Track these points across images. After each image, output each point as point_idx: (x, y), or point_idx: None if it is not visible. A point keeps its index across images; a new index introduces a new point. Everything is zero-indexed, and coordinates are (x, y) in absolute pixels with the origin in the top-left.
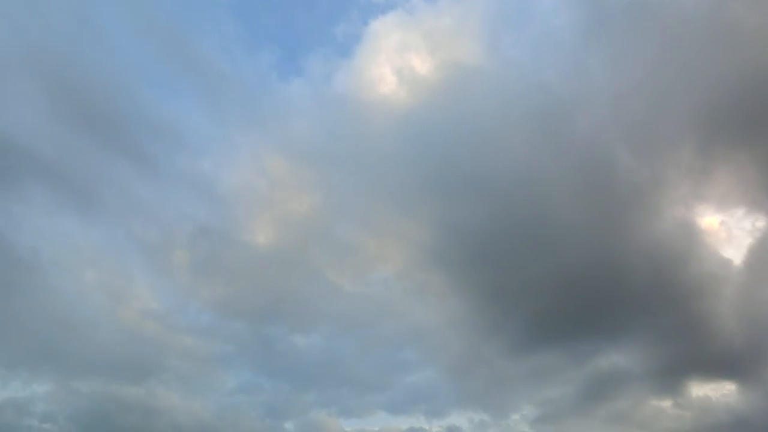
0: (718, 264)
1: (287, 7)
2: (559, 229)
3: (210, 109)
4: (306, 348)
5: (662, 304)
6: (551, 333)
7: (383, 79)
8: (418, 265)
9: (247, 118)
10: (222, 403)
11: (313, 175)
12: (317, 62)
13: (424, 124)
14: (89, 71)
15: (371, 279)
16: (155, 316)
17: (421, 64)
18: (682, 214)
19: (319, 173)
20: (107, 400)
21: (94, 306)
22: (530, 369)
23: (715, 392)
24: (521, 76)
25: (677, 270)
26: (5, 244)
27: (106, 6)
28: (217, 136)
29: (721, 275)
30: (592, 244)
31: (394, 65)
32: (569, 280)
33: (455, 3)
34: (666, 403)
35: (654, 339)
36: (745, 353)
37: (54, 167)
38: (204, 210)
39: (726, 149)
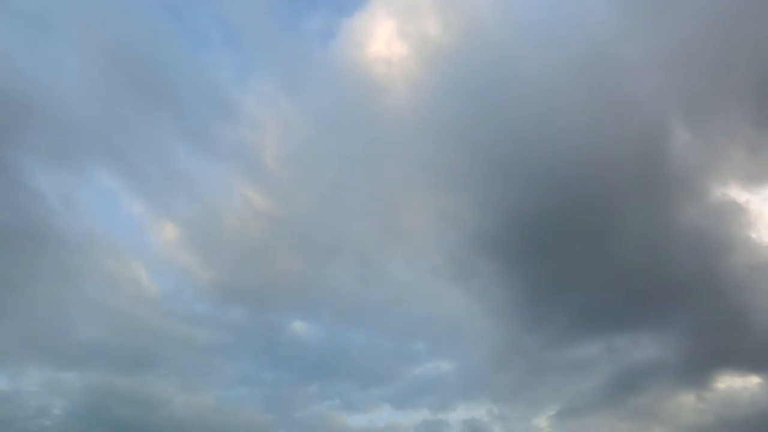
0: (756, 249)
1: None
2: (606, 212)
3: None
4: (310, 337)
5: (703, 292)
6: (589, 326)
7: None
8: (438, 249)
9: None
10: (221, 396)
11: (324, 147)
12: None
13: (448, 93)
14: (143, 42)
15: (384, 263)
16: (151, 303)
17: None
18: (731, 194)
19: (330, 146)
20: (103, 394)
21: (88, 291)
22: (564, 362)
23: (740, 386)
24: (548, 38)
25: (720, 257)
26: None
27: None
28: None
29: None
30: (640, 231)
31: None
32: (616, 270)
33: None
34: (690, 397)
35: (689, 330)
36: None
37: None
38: (202, 183)
39: None
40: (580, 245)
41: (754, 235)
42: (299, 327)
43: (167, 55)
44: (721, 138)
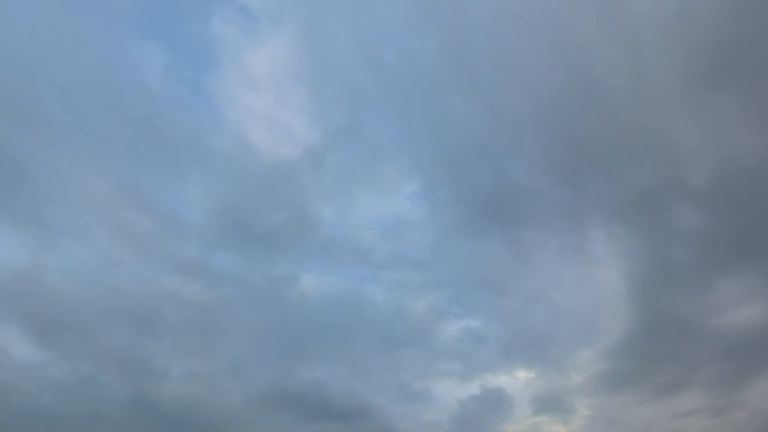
0: None
1: None
2: None
3: None
4: (325, 293)
5: None
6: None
7: None
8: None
9: None
10: (223, 366)
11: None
12: None
13: None
14: None
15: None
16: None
17: None
18: None
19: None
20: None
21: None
22: (688, 333)
23: None
24: None
25: None
26: None
27: None
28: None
29: None
30: None
31: None
32: None
33: None
34: None
35: None
36: None
37: None
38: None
39: None
40: None
41: None
42: (312, 280)
43: None
44: None
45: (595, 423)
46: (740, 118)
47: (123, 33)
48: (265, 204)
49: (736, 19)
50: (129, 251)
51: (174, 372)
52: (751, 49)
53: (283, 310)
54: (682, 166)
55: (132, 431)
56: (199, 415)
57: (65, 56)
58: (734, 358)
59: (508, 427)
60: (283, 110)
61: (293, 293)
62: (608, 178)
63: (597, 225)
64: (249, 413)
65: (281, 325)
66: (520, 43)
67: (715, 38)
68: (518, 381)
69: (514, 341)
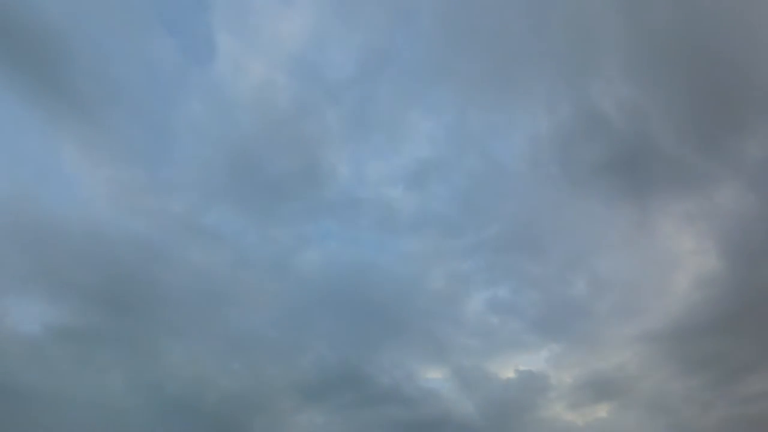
0: None
1: None
2: None
3: None
4: (337, 260)
5: None
6: None
7: None
8: None
9: None
10: (225, 340)
11: None
12: None
13: None
14: None
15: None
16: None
17: None
18: None
19: None
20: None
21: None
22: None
23: None
24: None
25: None
26: None
27: None
28: None
29: None
30: None
31: None
32: None
33: None
34: None
35: None
36: None
37: None
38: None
39: None
40: None
41: None
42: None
43: None
44: None
45: (645, 408)
46: None
47: None
48: (271, 151)
49: None
50: (114, 203)
51: (174, 349)
52: None
53: (289, 279)
54: None
55: (128, 417)
56: (201, 398)
57: None
58: None
59: (546, 412)
60: (296, 34)
61: (301, 260)
62: (746, 138)
63: (722, 190)
64: (257, 398)
65: (286, 296)
66: None
67: None
68: (561, 360)
69: (553, 313)
